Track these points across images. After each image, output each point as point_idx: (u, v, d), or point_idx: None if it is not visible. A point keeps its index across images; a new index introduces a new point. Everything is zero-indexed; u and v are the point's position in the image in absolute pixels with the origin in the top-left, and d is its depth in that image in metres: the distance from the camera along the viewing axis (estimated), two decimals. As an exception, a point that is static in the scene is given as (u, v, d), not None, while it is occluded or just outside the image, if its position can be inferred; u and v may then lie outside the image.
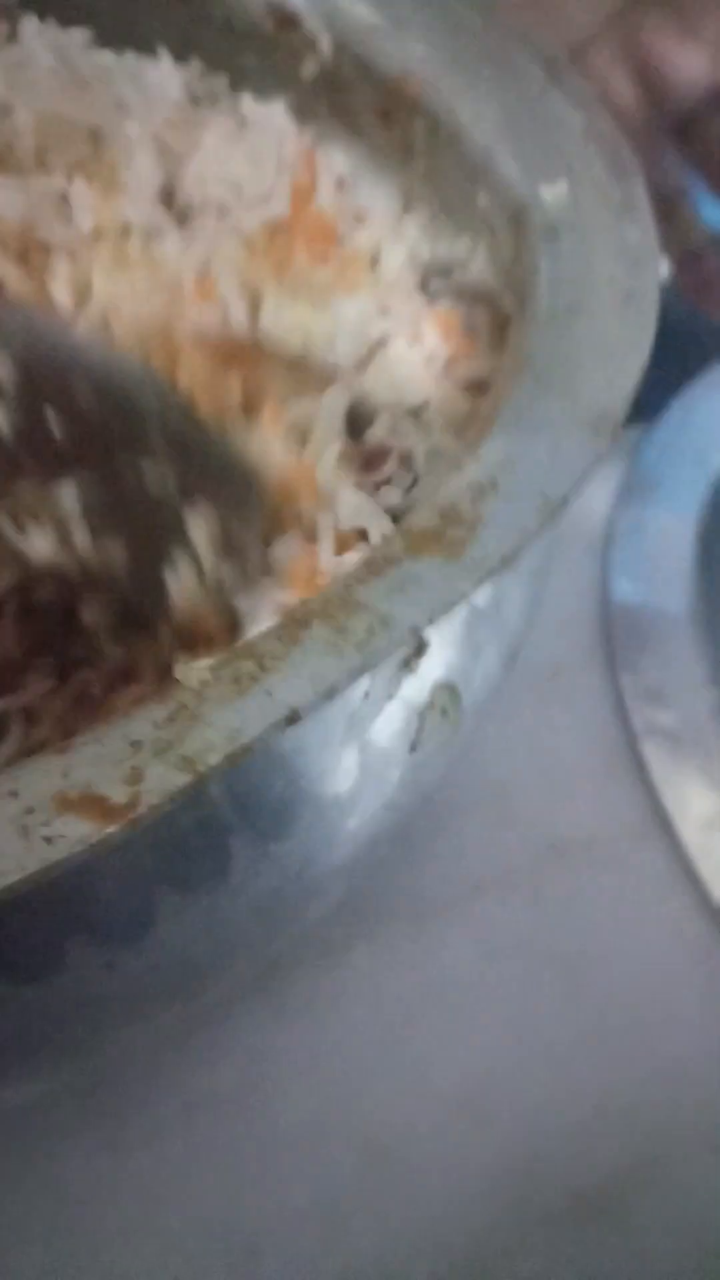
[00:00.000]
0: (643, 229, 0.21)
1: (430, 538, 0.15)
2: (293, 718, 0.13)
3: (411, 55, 0.27)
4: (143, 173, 0.22)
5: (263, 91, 0.30)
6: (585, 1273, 0.23)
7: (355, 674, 0.13)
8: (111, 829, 0.12)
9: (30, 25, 0.26)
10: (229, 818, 0.16)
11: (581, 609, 0.33)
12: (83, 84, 0.25)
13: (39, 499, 0.18)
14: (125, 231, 0.22)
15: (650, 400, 0.38)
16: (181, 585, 0.18)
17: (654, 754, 0.30)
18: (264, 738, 0.13)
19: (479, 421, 0.19)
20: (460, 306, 0.25)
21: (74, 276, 0.20)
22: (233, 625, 0.17)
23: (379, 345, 0.21)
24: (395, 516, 0.19)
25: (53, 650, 0.23)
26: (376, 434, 0.21)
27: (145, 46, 0.30)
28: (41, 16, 0.30)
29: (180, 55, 0.30)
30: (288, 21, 0.29)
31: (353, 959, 0.27)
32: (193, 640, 0.18)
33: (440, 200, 0.27)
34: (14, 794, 0.12)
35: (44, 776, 0.13)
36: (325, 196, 0.23)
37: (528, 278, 0.21)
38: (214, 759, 0.12)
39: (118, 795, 0.12)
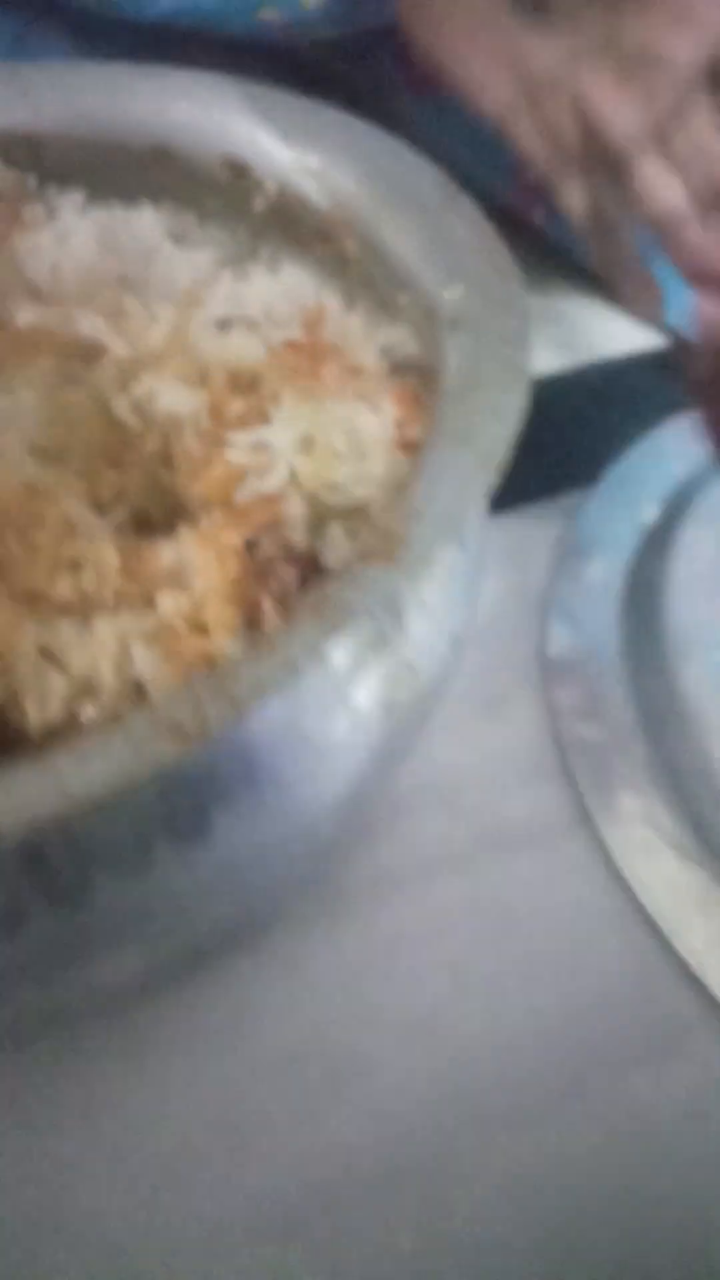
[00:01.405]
0: (520, 319, 0.28)
1: (378, 552, 0.23)
2: (294, 667, 0.20)
3: (341, 190, 0.35)
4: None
5: (225, 222, 0.38)
6: (511, 1171, 0.29)
7: (331, 640, 0.21)
8: (190, 744, 0.19)
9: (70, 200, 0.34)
10: (259, 758, 0.24)
11: (523, 651, 0.40)
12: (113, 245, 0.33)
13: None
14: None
15: (593, 468, 0.45)
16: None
17: (580, 762, 0.36)
18: (280, 682, 0.20)
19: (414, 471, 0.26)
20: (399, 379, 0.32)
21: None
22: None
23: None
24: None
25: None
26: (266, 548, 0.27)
27: (129, 199, 0.38)
28: (41, 183, 0.38)
29: (156, 201, 0.38)
30: (240, 171, 0.37)
31: (319, 928, 0.33)
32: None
33: (374, 299, 0.35)
34: (127, 730, 0.19)
35: (142, 719, 0.20)
36: (330, 329, 0.31)
37: (438, 361, 0.29)
38: (251, 697, 0.20)
39: (190, 724, 0.19)
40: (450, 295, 0.30)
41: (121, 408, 0.29)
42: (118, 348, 0.29)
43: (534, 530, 0.43)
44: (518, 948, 0.33)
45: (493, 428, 0.25)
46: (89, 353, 0.29)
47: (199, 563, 0.26)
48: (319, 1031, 0.31)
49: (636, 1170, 0.29)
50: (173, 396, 0.28)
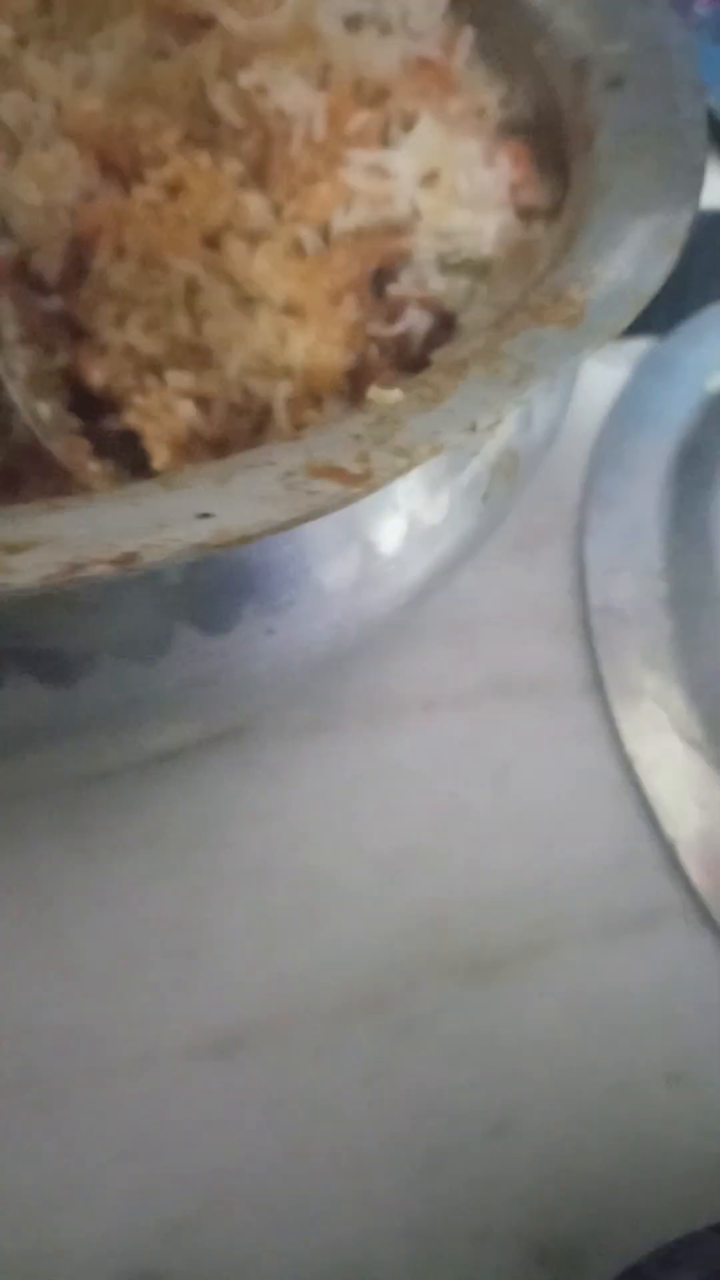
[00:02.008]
0: (693, 84, 0.25)
1: (549, 312, 0.20)
2: (472, 427, 0.17)
3: None
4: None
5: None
6: (470, 1023, 0.27)
7: (514, 402, 0.18)
8: (356, 490, 0.16)
9: None
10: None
11: (565, 497, 0.37)
12: None
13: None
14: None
15: (667, 319, 0.41)
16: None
17: (602, 626, 0.34)
18: (456, 440, 0.17)
19: (562, 236, 0.23)
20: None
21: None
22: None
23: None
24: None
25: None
26: (401, 287, 0.24)
27: None
28: None
29: None
30: None
31: (310, 743, 0.31)
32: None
33: (482, 46, 0.30)
34: (272, 463, 0.16)
35: (292, 454, 0.16)
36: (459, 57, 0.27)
37: (592, 121, 0.25)
38: (424, 450, 0.17)
39: (354, 469, 0.16)
40: (613, 51, 0.26)
41: (221, 97, 0.24)
42: (230, 21, 0.24)
43: (595, 370, 0.39)
44: (509, 800, 0.31)
45: (670, 198, 0.22)
46: (191, 21, 0.24)
47: (303, 296, 0.23)
48: (292, 851, 0.29)
49: (590, 1043, 0.28)
50: (289, 93, 0.24)
